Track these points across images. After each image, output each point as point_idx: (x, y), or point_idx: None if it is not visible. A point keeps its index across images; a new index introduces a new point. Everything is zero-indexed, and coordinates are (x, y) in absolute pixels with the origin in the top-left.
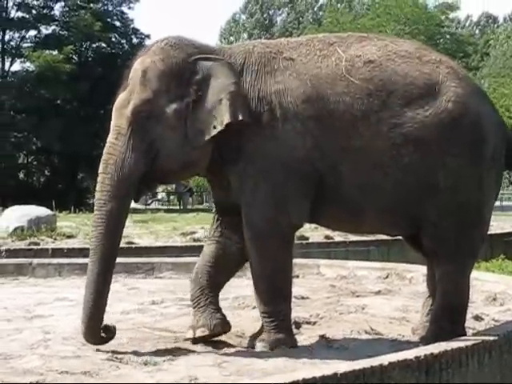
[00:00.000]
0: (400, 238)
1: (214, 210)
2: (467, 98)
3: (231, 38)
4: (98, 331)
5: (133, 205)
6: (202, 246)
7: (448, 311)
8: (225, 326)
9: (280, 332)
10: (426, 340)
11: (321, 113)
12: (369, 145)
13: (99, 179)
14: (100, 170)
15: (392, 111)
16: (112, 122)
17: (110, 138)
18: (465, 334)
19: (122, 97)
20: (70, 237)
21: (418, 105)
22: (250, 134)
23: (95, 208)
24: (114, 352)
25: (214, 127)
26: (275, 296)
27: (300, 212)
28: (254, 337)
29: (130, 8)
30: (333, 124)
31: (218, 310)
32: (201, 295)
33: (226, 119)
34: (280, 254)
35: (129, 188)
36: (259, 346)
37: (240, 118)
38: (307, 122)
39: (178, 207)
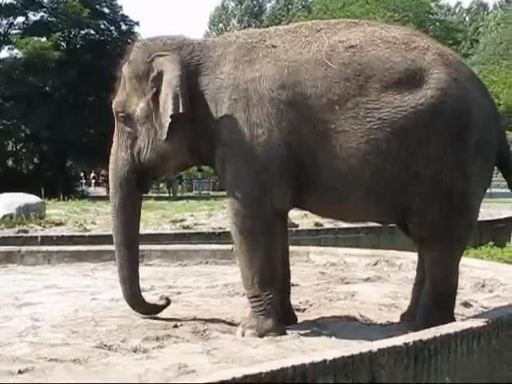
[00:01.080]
0: (389, 224)
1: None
2: (450, 85)
3: (220, 25)
4: (141, 302)
5: None
6: (191, 234)
7: (436, 297)
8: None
9: (268, 318)
10: (414, 326)
11: (297, 98)
12: (346, 129)
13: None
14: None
15: (369, 96)
16: None
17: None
18: (454, 321)
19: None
20: (59, 224)
21: (397, 90)
22: (226, 121)
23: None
24: (103, 339)
25: (167, 120)
26: (261, 281)
27: (282, 195)
28: (243, 324)
29: None
30: (310, 108)
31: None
32: None
33: (169, 112)
34: (264, 238)
35: (125, 182)
36: (248, 333)
37: (181, 110)
38: (283, 106)
39: (167, 195)
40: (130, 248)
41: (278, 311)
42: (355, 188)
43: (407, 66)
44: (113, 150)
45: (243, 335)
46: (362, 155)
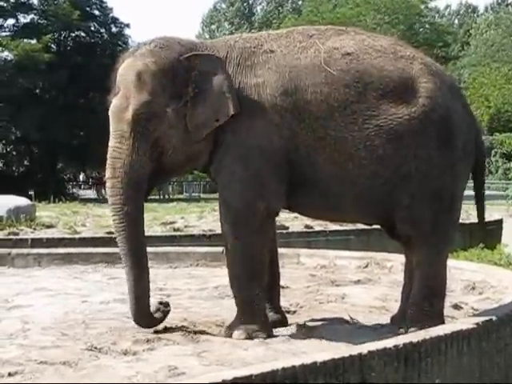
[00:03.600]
0: (379, 227)
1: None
2: (437, 94)
3: (212, 27)
4: (147, 314)
5: None
6: (181, 236)
7: (426, 294)
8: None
9: (255, 318)
10: (405, 325)
11: (299, 104)
12: (345, 135)
13: (109, 184)
14: (108, 175)
15: (368, 103)
16: (111, 128)
17: (113, 142)
18: (443, 322)
19: (117, 102)
20: (49, 227)
21: (392, 98)
22: (228, 126)
23: (113, 213)
24: (93, 342)
25: (217, 120)
26: (250, 281)
27: (276, 197)
28: (231, 325)
29: None
30: (310, 114)
31: None
32: None
33: (231, 111)
34: (256, 238)
35: (140, 188)
36: (236, 335)
37: (238, 109)
38: (285, 113)
39: (157, 197)
40: (141, 264)
41: (264, 311)
42: (349, 192)
43: (399, 74)
44: (120, 155)
45: (231, 336)
46: (358, 160)
